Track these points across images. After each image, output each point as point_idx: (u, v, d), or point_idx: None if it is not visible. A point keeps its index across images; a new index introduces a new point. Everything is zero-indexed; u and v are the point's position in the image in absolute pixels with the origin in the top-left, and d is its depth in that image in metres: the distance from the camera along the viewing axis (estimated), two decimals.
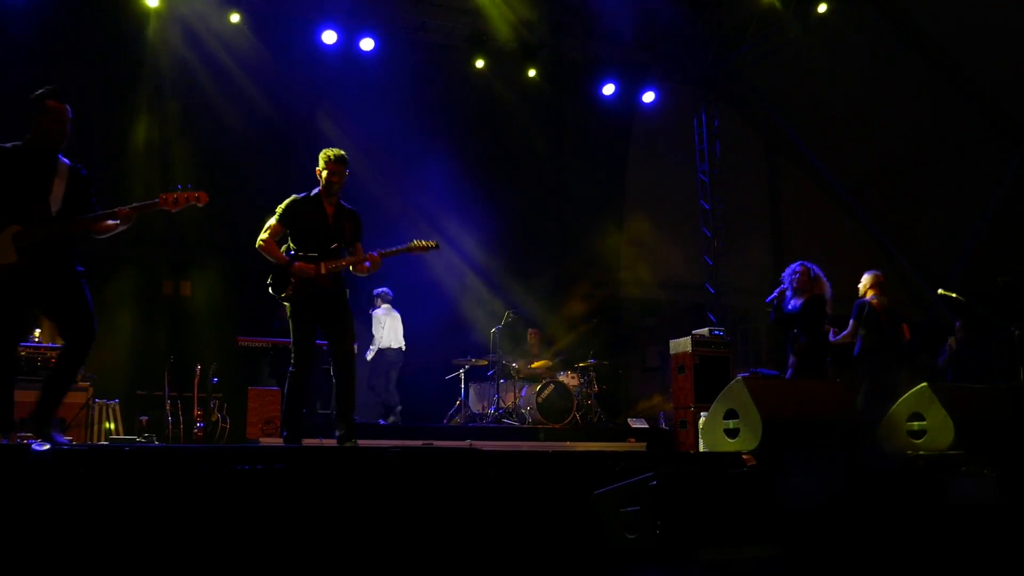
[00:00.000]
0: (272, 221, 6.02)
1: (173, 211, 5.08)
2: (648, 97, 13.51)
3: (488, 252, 12.73)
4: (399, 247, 6.21)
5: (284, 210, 6.03)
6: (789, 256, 14.63)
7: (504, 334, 11.40)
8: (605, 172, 13.93)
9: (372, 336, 11.00)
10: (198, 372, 9.15)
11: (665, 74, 13.65)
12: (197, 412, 8.81)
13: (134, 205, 4.95)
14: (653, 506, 3.92)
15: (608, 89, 13.27)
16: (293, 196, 6.08)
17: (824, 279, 8.32)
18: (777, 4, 11.77)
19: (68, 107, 4.86)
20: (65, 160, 4.88)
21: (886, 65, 12.44)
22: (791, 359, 8.03)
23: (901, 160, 13.37)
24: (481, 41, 12.08)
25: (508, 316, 11.35)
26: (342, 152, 6.06)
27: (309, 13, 11.44)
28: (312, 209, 6.02)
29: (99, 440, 8.19)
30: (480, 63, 12.33)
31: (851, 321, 8.58)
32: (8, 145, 4.74)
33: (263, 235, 5.99)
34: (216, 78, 11.13)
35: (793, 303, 8.12)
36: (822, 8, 11.56)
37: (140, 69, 10.91)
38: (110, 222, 4.90)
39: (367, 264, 6.02)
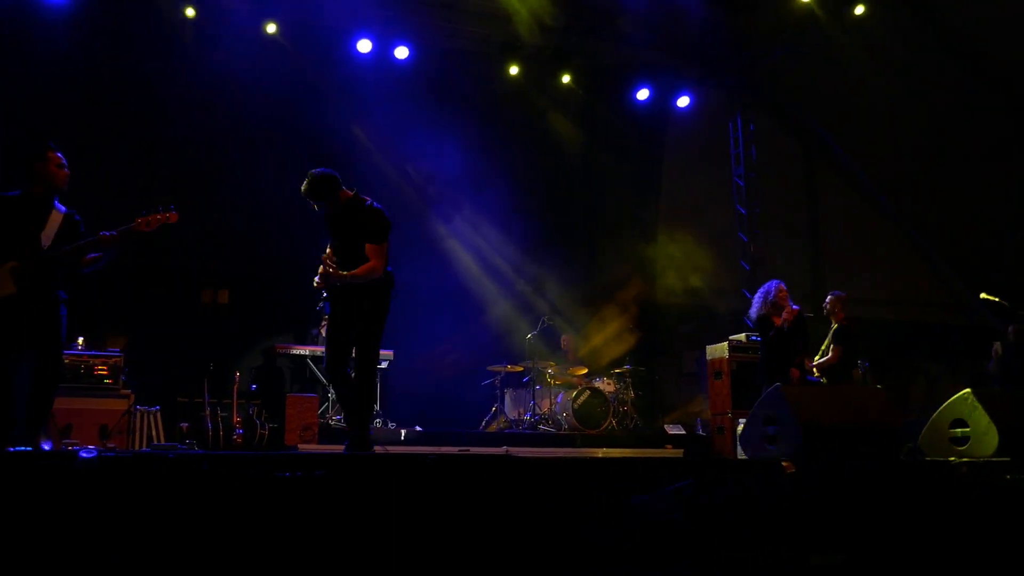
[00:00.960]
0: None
1: (147, 231, 5.59)
2: (683, 102, 13.46)
3: (523, 258, 12.74)
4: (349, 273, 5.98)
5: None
6: (827, 260, 14.55)
7: (540, 340, 11.40)
8: (640, 177, 13.88)
9: None
10: (237, 379, 9.26)
11: (699, 78, 13.58)
12: (236, 419, 8.91)
13: (117, 229, 5.47)
14: (692, 513, 3.90)
15: (642, 94, 13.25)
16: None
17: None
18: (813, 6, 11.66)
19: (62, 155, 5.54)
20: (60, 207, 5.56)
21: (923, 66, 12.29)
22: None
23: (940, 162, 13.20)
24: (514, 48, 12.11)
25: (544, 322, 11.35)
26: (307, 184, 5.91)
27: (344, 23, 11.53)
28: (329, 217, 6.11)
29: (141, 446, 8.31)
30: (514, 70, 12.36)
31: (836, 344, 8.99)
32: (10, 193, 5.46)
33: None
34: (251, 88, 11.25)
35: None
36: (859, 10, 11.44)
37: (175, 79, 11.06)
38: (91, 256, 5.50)
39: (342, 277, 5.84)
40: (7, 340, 5.27)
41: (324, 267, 5.86)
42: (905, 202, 13.87)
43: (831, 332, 9.08)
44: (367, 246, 5.83)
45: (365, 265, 5.84)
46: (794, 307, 8.44)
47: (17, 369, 5.36)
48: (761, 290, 8.77)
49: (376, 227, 5.97)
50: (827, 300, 9.26)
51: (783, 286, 8.62)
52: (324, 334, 6.23)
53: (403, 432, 9.66)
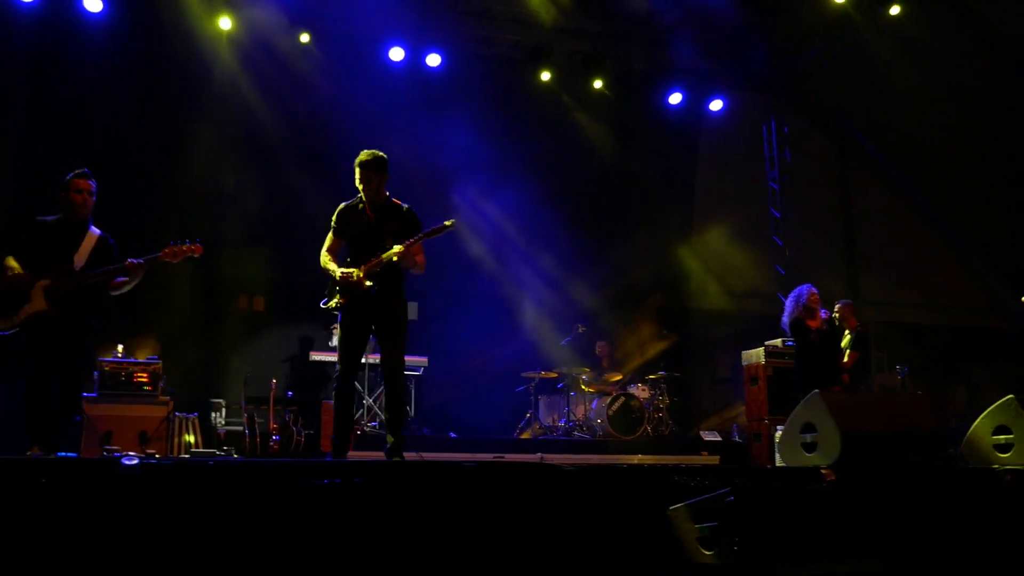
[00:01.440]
0: (328, 236, 6.04)
1: (173, 263, 5.90)
2: (715, 105, 13.39)
3: (556, 264, 12.71)
4: (422, 232, 5.87)
5: (335, 221, 6.02)
6: (863, 263, 14.40)
7: (573, 346, 11.38)
8: (673, 181, 13.82)
9: None
10: (273, 386, 9.33)
11: (732, 81, 13.49)
12: (273, 425, 8.98)
13: (144, 258, 5.78)
14: (731, 522, 3.86)
15: (675, 98, 13.19)
16: (341, 204, 6.06)
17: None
18: (848, 7, 11.54)
19: (93, 182, 5.95)
20: (95, 230, 5.93)
21: (962, 65, 12.13)
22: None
23: (978, 163, 13.02)
24: (546, 54, 12.11)
25: (578, 328, 11.33)
26: (371, 155, 5.88)
27: (376, 31, 11.60)
28: (358, 215, 5.95)
29: (179, 453, 8.41)
30: (546, 75, 12.37)
31: (853, 350, 8.90)
32: (48, 218, 5.88)
33: (322, 252, 6.01)
34: (285, 98, 11.36)
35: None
36: (895, 10, 11.29)
37: (211, 89, 11.19)
38: (119, 279, 5.81)
39: (394, 258, 5.69)
40: (42, 352, 5.63)
41: (360, 270, 5.77)
42: (943, 204, 13.69)
43: (849, 339, 8.98)
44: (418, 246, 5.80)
45: (421, 260, 5.87)
46: (823, 314, 8.38)
47: (54, 380, 5.67)
48: (792, 294, 8.73)
49: (419, 227, 5.94)
50: (836, 309, 9.16)
51: (815, 290, 8.57)
52: (338, 339, 6.05)
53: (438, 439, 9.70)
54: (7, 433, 7.01)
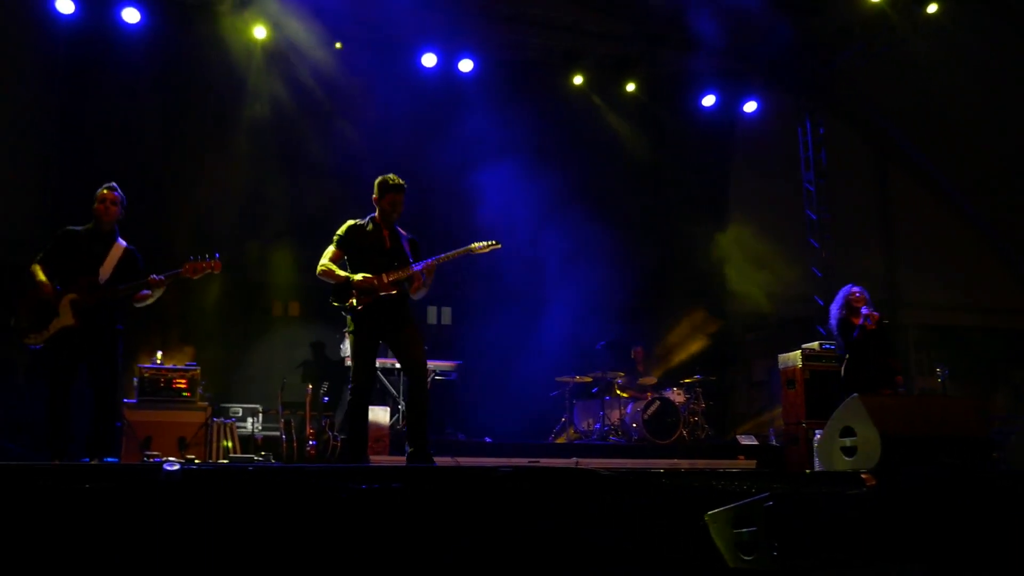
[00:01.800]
0: (331, 247, 6.14)
1: (192, 279, 6.07)
2: (750, 107, 13.31)
3: (590, 267, 12.68)
4: (456, 250, 6.17)
5: (342, 235, 6.13)
6: (903, 266, 14.21)
7: (609, 350, 11.33)
8: (707, 184, 13.73)
9: None
10: (309, 391, 9.38)
11: (766, 82, 13.41)
12: (310, 431, 9.02)
13: (165, 274, 5.95)
14: (770, 527, 3.82)
15: (708, 100, 13.13)
16: (350, 221, 6.19)
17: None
18: (884, 6, 11.41)
19: (119, 193, 6.07)
20: (122, 242, 6.07)
21: (1000, 65, 11.94)
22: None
23: (1019, 162, 12.80)
24: (578, 57, 12.11)
25: (612, 333, 11.28)
26: (400, 181, 6.12)
27: (409, 37, 11.67)
28: (370, 234, 6.10)
29: (217, 458, 8.48)
30: (578, 79, 12.35)
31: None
32: (77, 228, 6.01)
33: (322, 261, 6.09)
34: (318, 106, 11.44)
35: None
36: (932, 8, 11.14)
37: (245, 98, 11.31)
38: (144, 292, 5.96)
39: (421, 274, 5.93)
40: (66, 366, 5.80)
41: (382, 276, 5.90)
42: (984, 204, 13.49)
43: None
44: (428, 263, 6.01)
45: (429, 281, 6.06)
46: (873, 313, 8.27)
47: (71, 391, 5.83)
48: (838, 296, 8.65)
49: (422, 255, 6.18)
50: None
51: (855, 289, 8.49)
52: (351, 348, 6.13)
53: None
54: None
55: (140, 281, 5.93)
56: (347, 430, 6.28)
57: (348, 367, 10.05)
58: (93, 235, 6.00)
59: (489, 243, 6.26)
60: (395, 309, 6.00)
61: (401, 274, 5.93)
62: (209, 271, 6.07)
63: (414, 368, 6.02)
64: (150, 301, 6.07)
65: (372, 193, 6.20)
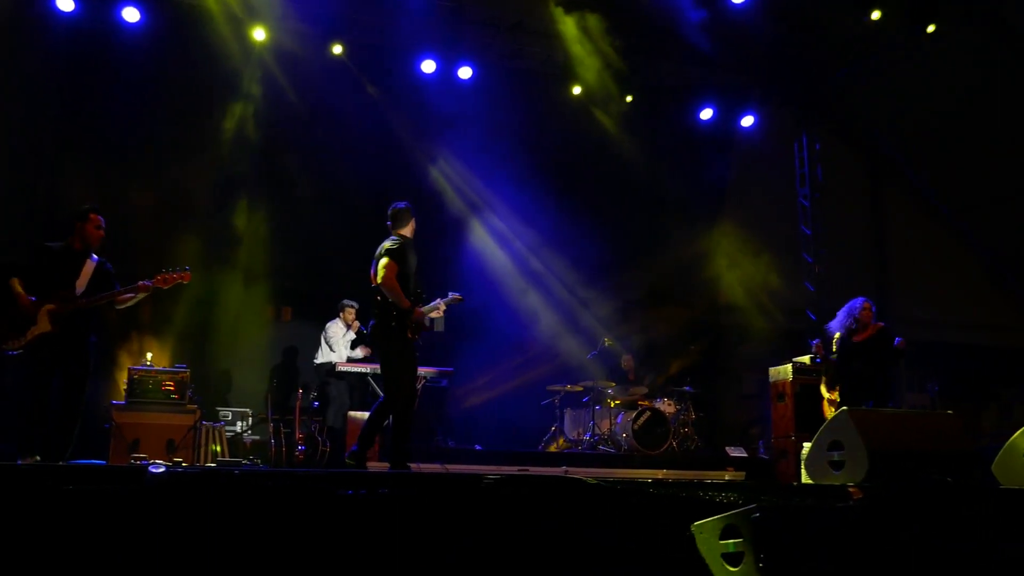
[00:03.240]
0: (390, 260, 6.21)
1: (164, 288, 6.46)
2: (747, 121, 13.35)
3: (584, 278, 12.71)
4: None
5: (400, 251, 6.29)
6: (897, 281, 14.24)
7: (599, 360, 11.34)
8: (703, 197, 13.76)
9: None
10: (299, 396, 9.37)
11: (764, 97, 13.46)
12: (299, 435, 9.01)
13: (140, 283, 6.36)
14: (756, 539, 3.82)
15: (706, 114, 13.18)
16: (405, 237, 6.38)
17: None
18: (882, 24, 11.45)
19: (103, 218, 6.46)
20: (95, 258, 6.42)
21: (996, 85, 12.00)
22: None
23: (1015, 183, 12.85)
24: (577, 68, 12.13)
25: (605, 342, 11.29)
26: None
27: (409, 44, 11.67)
28: (414, 258, 6.39)
29: (206, 462, 8.45)
30: (577, 89, 12.38)
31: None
32: (53, 244, 6.36)
33: (388, 272, 6.17)
34: (316, 109, 11.45)
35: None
36: (930, 29, 11.19)
37: (242, 98, 11.31)
38: (126, 296, 6.37)
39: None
40: (43, 370, 6.18)
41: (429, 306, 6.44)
42: (977, 221, 13.53)
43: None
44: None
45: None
46: (876, 324, 8.30)
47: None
48: (846, 307, 8.67)
49: None
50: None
51: (860, 304, 8.49)
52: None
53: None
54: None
55: (111, 292, 6.35)
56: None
57: (339, 372, 10.08)
58: (69, 252, 6.37)
59: (455, 298, 6.75)
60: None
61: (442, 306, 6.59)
62: (178, 281, 6.47)
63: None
64: (131, 303, 6.49)
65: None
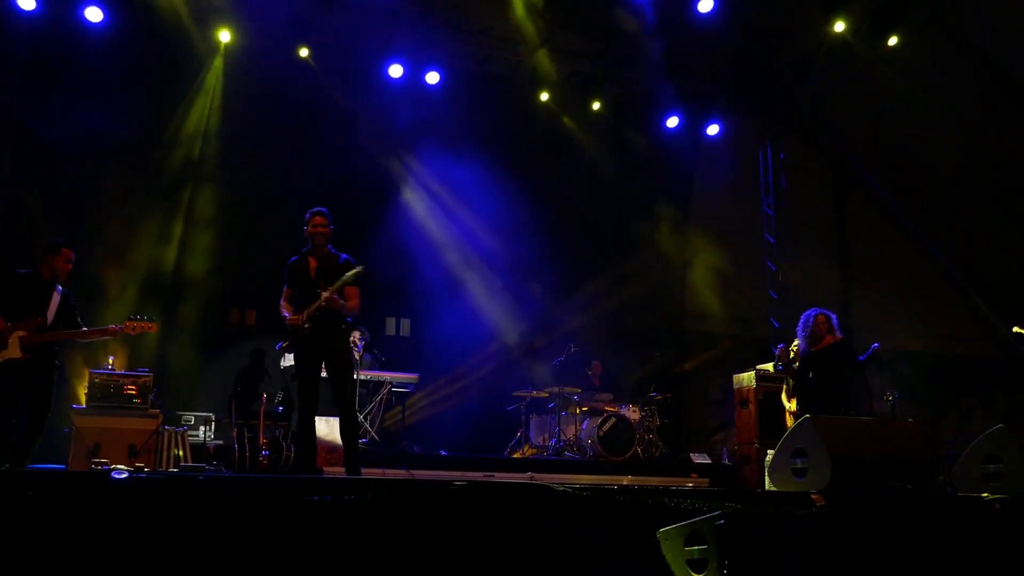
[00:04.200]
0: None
1: (132, 335, 7.01)
2: (712, 130, 13.46)
3: (550, 283, 12.74)
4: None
5: (286, 274, 6.70)
6: (857, 290, 14.41)
7: (566, 366, 11.37)
8: (669, 205, 13.86)
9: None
10: (264, 400, 9.28)
11: (729, 106, 13.58)
12: (263, 440, 8.93)
13: (108, 327, 6.91)
14: (720, 545, 3.85)
15: (672, 122, 13.27)
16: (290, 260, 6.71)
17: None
18: (847, 35, 11.61)
19: (73, 252, 6.88)
20: (60, 288, 6.86)
21: (959, 95, 12.20)
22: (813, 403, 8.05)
23: (975, 194, 13.06)
24: (545, 74, 12.17)
25: (571, 348, 11.32)
26: (320, 208, 6.64)
27: (376, 48, 11.64)
28: (301, 267, 6.61)
29: (168, 467, 8.35)
30: (544, 96, 12.42)
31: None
32: (23, 271, 6.78)
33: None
34: (281, 112, 11.37)
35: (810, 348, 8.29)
36: (892, 40, 11.37)
37: (207, 101, 11.22)
38: (96, 335, 6.96)
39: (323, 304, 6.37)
40: (8, 392, 6.57)
41: (309, 307, 6.38)
42: (938, 232, 13.74)
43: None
44: (348, 289, 6.50)
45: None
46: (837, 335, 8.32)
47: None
48: (800, 321, 8.63)
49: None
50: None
51: (812, 315, 8.45)
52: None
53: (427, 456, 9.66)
54: None
55: (85, 330, 6.93)
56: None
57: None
58: (39, 280, 6.79)
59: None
60: (322, 341, 6.52)
61: (312, 310, 6.41)
62: (145, 330, 6.99)
63: (340, 400, 6.57)
64: (95, 340, 7.20)
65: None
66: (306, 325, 6.36)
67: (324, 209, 6.64)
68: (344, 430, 6.43)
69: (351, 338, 10.40)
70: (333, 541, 3.71)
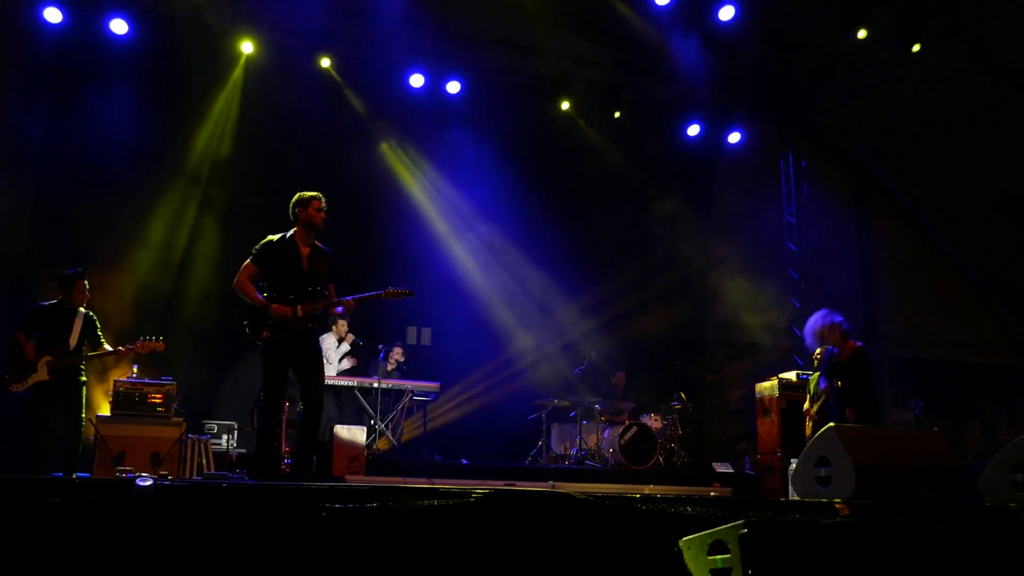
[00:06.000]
0: (247, 261, 6.14)
1: (142, 353, 7.70)
2: (734, 138, 13.42)
3: (572, 293, 12.72)
4: (372, 293, 6.29)
5: (259, 251, 6.13)
6: (880, 298, 14.33)
7: (587, 375, 11.35)
8: (690, 214, 13.82)
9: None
10: (285, 409, 9.30)
11: (750, 114, 13.56)
12: (284, 448, 8.95)
13: (124, 346, 7.61)
14: (744, 555, 3.82)
15: (693, 130, 13.24)
16: (268, 237, 6.18)
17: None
18: (869, 42, 11.55)
19: (86, 281, 7.56)
20: (82, 310, 7.57)
21: (982, 103, 12.11)
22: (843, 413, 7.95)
23: (997, 200, 12.96)
24: (565, 84, 12.19)
25: (592, 356, 11.30)
26: (318, 194, 6.21)
27: (397, 57, 11.70)
28: (287, 251, 6.10)
29: (191, 475, 8.39)
30: (565, 105, 12.43)
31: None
32: (45, 304, 7.51)
33: (239, 274, 6.11)
34: (301, 122, 11.43)
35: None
36: (916, 47, 11.29)
37: (227, 112, 11.30)
38: (110, 354, 7.66)
39: (339, 309, 6.26)
40: (43, 412, 7.32)
41: (305, 305, 6.03)
42: (961, 240, 13.63)
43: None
44: (331, 287, 6.25)
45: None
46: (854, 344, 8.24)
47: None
48: (808, 326, 8.55)
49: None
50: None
51: (819, 319, 8.34)
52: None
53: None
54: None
55: (106, 352, 7.63)
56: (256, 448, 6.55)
57: (327, 386, 10.06)
58: (61, 311, 7.51)
59: (401, 291, 6.38)
60: (306, 340, 6.24)
61: (314, 308, 6.10)
62: (153, 349, 7.60)
63: (312, 405, 6.27)
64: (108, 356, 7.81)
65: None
66: (309, 324, 6.11)
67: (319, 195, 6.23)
68: (311, 428, 6.21)
69: (393, 355, 10.53)
70: (355, 549, 3.72)
